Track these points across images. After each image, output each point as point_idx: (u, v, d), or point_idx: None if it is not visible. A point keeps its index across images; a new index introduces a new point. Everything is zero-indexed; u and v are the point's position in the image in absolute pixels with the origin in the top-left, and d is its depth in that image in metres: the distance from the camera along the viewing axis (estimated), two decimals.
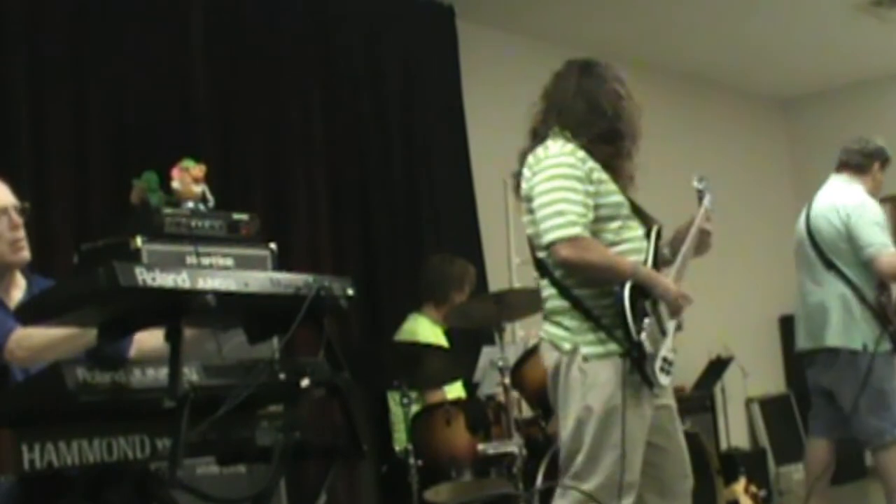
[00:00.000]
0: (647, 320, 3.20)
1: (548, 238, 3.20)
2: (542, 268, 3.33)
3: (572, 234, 3.17)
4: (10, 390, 2.68)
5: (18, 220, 3.08)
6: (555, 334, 3.27)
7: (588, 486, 3.15)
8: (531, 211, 3.30)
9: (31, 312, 2.50)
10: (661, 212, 3.49)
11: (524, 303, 4.56)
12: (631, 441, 3.17)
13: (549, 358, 3.30)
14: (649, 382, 3.18)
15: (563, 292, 3.25)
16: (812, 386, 5.06)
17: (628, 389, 3.15)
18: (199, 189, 3.58)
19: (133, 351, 2.96)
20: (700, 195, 3.58)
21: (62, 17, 4.56)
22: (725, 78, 8.14)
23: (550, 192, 3.22)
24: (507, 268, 6.02)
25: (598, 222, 3.26)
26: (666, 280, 3.32)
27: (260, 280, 2.51)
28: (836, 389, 4.86)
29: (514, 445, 4.27)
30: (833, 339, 4.83)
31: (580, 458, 3.18)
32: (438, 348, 4.68)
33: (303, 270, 2.69)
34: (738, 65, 7.90)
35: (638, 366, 3.16)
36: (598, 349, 3.19)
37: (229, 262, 3.49)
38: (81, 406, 2.23)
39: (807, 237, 4.95)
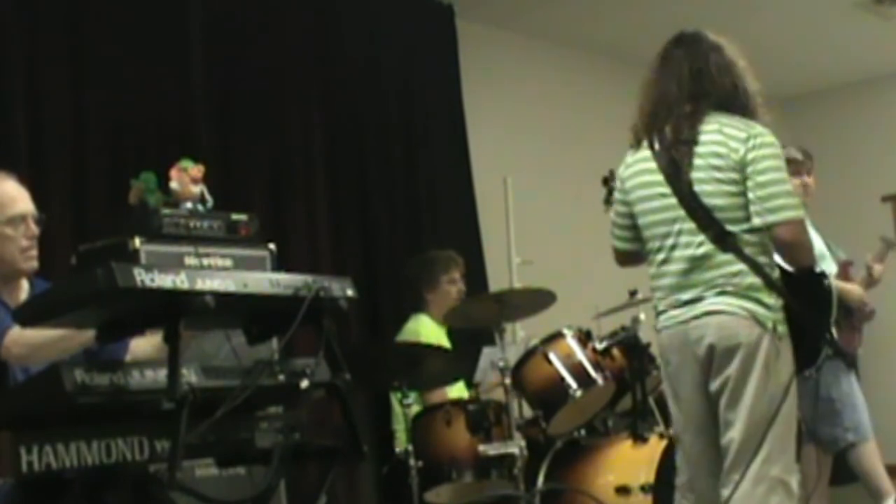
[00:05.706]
0: None
1: (782, 216, 3.17)
2: (727, 242, 3.23)
3: (802, 216, 3.24)
4: (9, 392, 2.67)
5: (35, 229, 3.11)
6: (756, 311, 3.22)
7: (781, 463, 3.17)
8: (737, 182, 3.19)
9: (29, 313, 2.49)
10: None
11: (524, 303, 4.54)
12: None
13: (748, 333, 3.21)
14: (813, 364, 3.34)
15: (757, 270, 3.21)
16: None
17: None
18: (197, 189, 3.57)
19: (128, 357, 2.95)
20: None
21: (60, 18, 4.54)
22: None
23: (781, 170, 3.21)
24: (507, 268, 6.00)
25: None
26: None
27: (259, 281, 2.49)
28: None
29: (514, 446, 4.25)
30: None
31: (774, 432, 3.16)
32: (439, 348, 4.66)
33: (302, 271, 2.68)
34: None
35: (833, 346, 3.34)
36: (787, 328, 3.24)
37: (228, 262, 3.48)
38: (80, 408, 2.22)
39: None
